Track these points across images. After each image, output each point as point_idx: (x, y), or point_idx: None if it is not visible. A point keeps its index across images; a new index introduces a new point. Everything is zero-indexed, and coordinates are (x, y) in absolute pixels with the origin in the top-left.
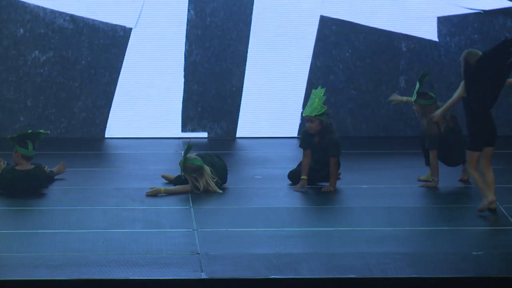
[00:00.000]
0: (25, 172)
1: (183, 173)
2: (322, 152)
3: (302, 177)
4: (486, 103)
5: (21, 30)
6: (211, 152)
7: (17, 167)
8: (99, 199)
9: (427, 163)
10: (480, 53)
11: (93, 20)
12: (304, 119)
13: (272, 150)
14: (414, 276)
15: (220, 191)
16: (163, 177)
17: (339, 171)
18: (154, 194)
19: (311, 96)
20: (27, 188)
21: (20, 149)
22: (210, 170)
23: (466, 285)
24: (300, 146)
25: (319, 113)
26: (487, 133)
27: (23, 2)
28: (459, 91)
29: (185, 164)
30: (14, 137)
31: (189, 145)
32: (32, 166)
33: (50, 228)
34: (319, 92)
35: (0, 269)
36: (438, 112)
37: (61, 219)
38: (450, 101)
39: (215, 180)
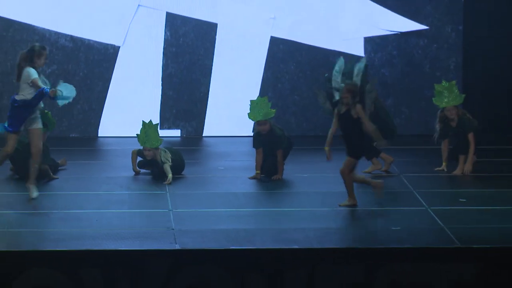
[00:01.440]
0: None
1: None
2: (269, 147)
3: (256, 172)
4: None
5: None
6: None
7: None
8: (93, 186)
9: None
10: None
11: (89, 40)
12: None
13: (232, 146)
14: (346, 247)
15: (170, 175)
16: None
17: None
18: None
19: (254, 104)
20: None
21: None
22: (167, 155)
23: (384, 254)
24: (254, 146)
25: (269, 116)
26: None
27: (32, 25)
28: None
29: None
30: None
31: None
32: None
33: (54, 209)
34: (263, 100)
35: (13, 241)
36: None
37: (62, 202)
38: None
39: (170, 164)
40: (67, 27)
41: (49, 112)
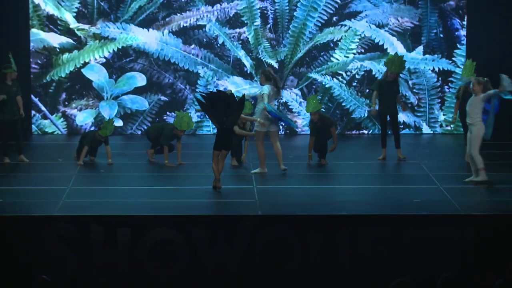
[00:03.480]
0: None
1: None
2: (322, 132)
3: (309, 154)
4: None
5: None
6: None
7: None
8: (203, 169)
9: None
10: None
11: None
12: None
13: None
14: (380, 213)
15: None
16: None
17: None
18: None
19: (309, 99)
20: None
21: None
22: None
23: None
24: (311, 133)
25: (317, 109)
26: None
27: None
28: None
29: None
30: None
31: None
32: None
33: (172, 185)
34: (313, 97)
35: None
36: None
37: (187, 180)
38: None
39: None
40: None
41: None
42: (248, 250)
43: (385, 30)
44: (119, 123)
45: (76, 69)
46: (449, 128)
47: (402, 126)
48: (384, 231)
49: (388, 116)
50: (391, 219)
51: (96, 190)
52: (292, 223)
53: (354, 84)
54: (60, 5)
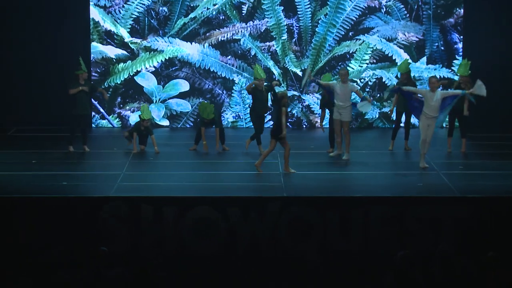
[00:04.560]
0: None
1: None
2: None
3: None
4: None
5: None
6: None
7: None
8: (234, 157)
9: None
10: None
11: None
12: None
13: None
14: (388, 195)
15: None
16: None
17: None
18: None
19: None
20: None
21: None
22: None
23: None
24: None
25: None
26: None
27: None
28: None
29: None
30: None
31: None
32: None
33: (212, 171)
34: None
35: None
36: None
37: (222, 166)
38: None
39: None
40: None
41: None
42: (275, 227)
43: (394, 43)
44: (165, 122)
45: (130, 76)
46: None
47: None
48: (391, 211)
49: (404, 113)
50: (397, 200)
51: (146, 175)
52: (312, 204)
53: (367, 89)
54: (116, 22)
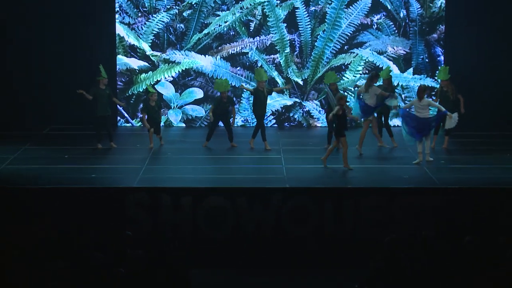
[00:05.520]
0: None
1: None
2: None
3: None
4: None
5: None
6: None
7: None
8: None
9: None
10: None
11: None
12: None
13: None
14: (376, 186)
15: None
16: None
17: None
18: None
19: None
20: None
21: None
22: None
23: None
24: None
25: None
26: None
27: None
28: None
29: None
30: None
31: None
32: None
33: (218, 164)
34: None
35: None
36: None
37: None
38: None
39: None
40: None
41: None
42: (278, 214)
43: (384, 56)
44: (182, 125)
45: (151, 85)
46: None
47: (397, 125)
48: (379, 200)
49: (382, 115)
50: (385, 190)
51: (165, 168)
52: (310, 194)
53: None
54: (139, 37)
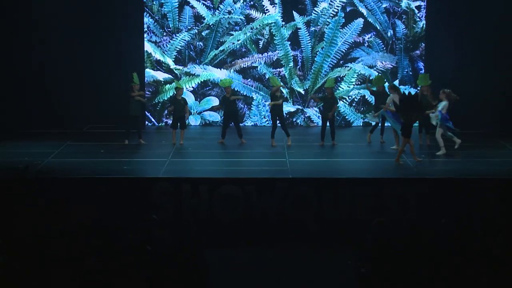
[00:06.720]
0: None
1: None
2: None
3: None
4: None
5: None
6: None
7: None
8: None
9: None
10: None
11: None
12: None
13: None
14: (368, 177)
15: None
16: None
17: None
18: None
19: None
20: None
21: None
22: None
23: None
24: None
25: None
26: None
27: None
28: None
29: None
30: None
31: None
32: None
33: (217, 158)
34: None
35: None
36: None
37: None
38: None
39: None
40: None
41: None
42: (282, 201)
43: (374, 69)
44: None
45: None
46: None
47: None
48: (371, 188)
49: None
50: (375, 180)
51: (186, 161)
52: (311, 183)
53: (354, 104)
54: (164, 53)
